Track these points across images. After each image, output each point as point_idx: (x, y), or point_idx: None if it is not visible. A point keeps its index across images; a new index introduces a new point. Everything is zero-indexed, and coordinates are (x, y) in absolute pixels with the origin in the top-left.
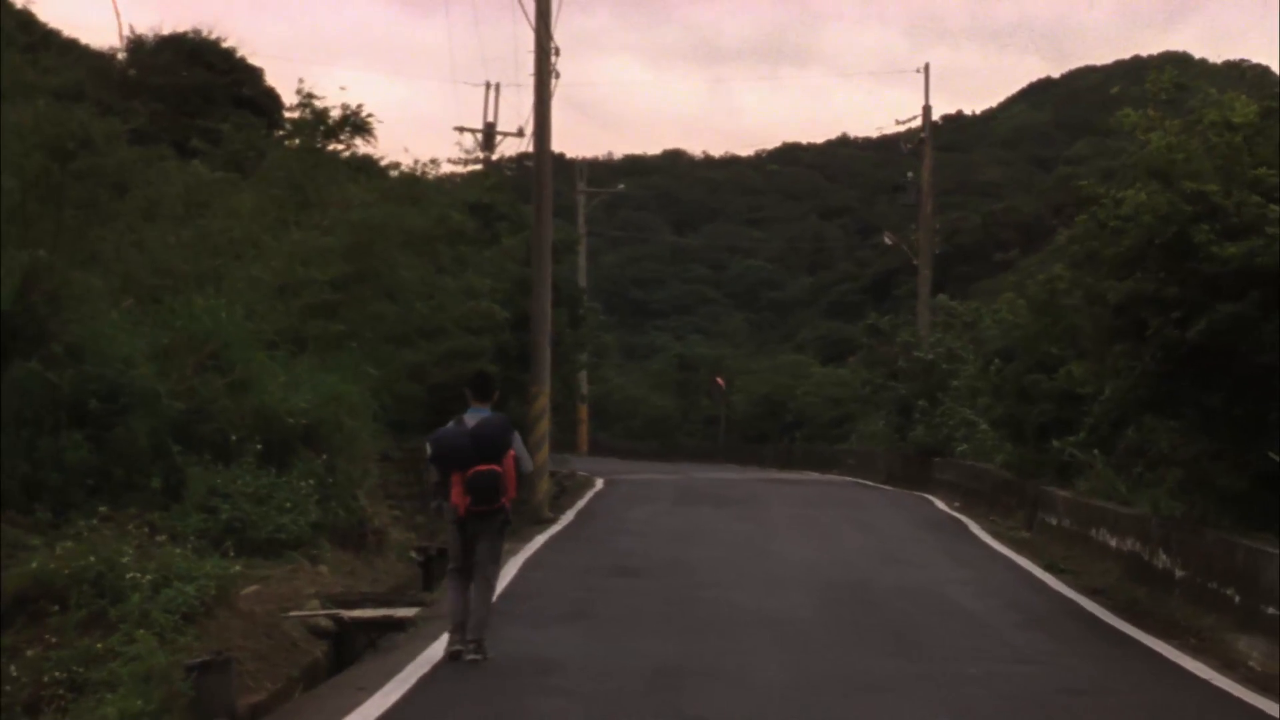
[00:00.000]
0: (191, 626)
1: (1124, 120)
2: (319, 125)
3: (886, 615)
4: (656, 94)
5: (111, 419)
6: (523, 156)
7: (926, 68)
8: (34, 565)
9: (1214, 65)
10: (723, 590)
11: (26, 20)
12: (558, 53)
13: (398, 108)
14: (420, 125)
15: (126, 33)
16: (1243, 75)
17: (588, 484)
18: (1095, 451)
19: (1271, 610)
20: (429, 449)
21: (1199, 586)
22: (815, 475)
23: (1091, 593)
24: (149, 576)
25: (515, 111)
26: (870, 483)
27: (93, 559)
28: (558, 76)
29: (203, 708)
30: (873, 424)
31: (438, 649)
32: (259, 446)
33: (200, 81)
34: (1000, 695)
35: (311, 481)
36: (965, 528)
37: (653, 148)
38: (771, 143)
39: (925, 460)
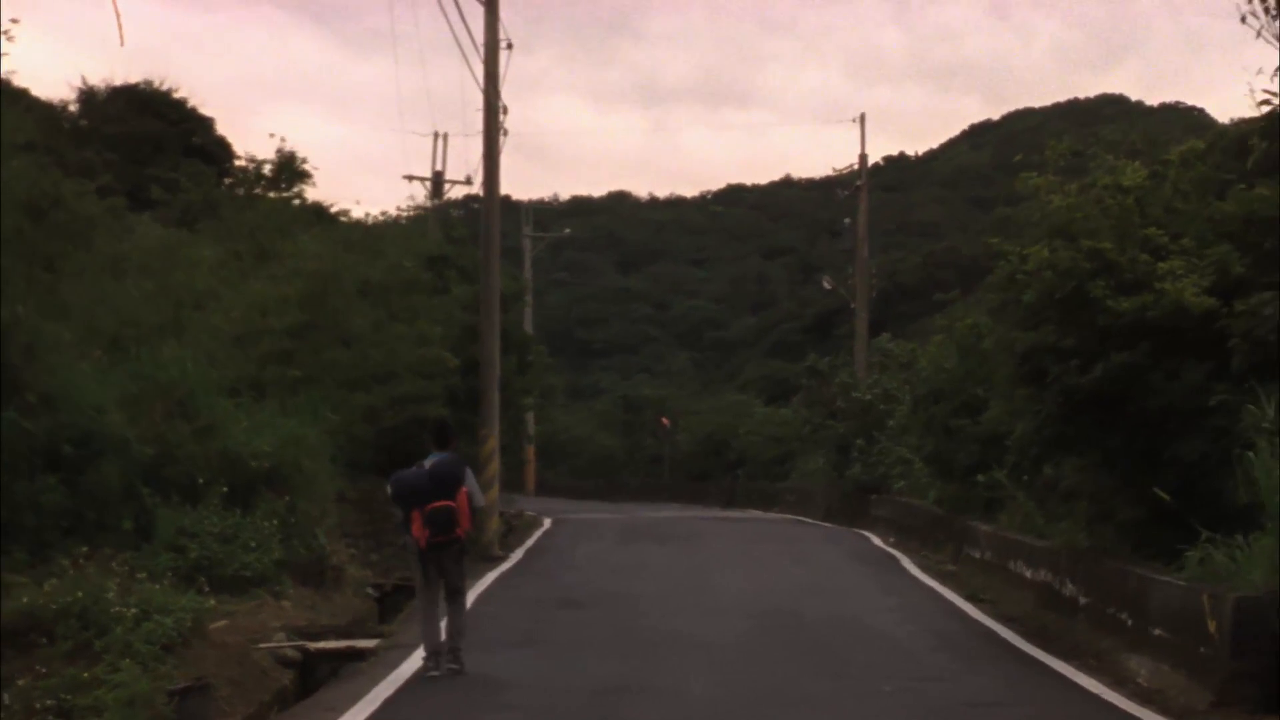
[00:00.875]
0: (170, 656)
1: (1027, 183)
2: (259, 177)
3: (813, 640)
4: (600, 135)
5: (84, 464)
6: (471, 199)
7: (862, 118)
8: (24, 600)
9: (1150, 107)
10: (662, 619)
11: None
12: (505, 111)
13: (343, 149)
14: (366, 167)
15: (78, 84)
16: (1179, 117)
17: (536, 523)
18: (1021, 484)
19: (1158, 631)
20: (390, 489)
21: (1099, 612)
22: (757, 513)
23: (1006, 620)
24: (131, 610)
25: (462, 154)
26: (810, 520)
27: (79, 594)
28: (506, 133)
29: None
30: (813, 462)
31: (399, 675)
32: (224, 489)
33: (152, 131)
34: (908, 707)
35: (274, 521)
36: (897, 562)
37: (598, 188)
38: (716, 183)
39: (863, 497)
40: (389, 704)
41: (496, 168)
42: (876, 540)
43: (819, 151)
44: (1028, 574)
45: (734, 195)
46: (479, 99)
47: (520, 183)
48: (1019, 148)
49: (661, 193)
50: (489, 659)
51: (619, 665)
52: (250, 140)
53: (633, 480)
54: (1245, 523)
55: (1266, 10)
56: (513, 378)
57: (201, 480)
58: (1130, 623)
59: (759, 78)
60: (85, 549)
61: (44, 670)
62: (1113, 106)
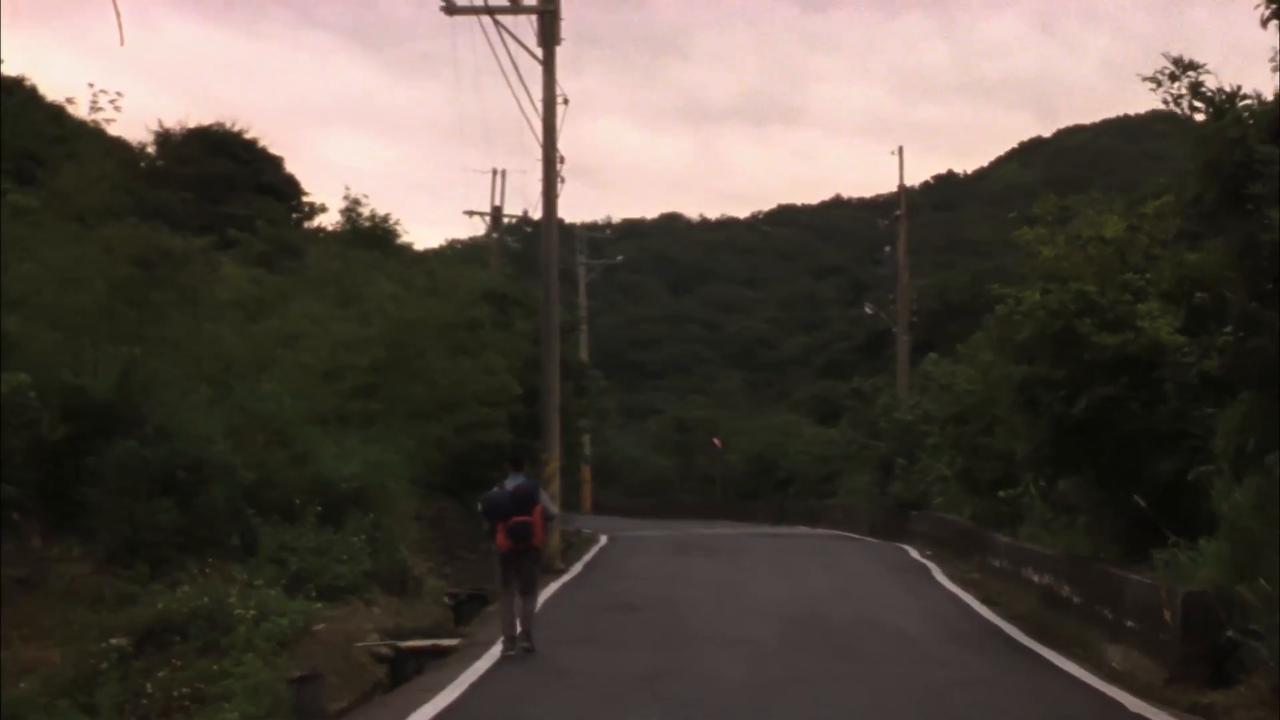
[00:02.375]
0: (285, 651)
1: (1022, 237)
2: (354, 232)
3: (837, 636)
4: (650, 155)
5: (196, 488)
6: (525, 221)
7: (900, 150)
8: (159, 606)
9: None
10: (704, 620)
11: (57, 114)
12: (563, 161)
13: (395, 171)
14: (418, 187)
15: (155, 127)
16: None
17: (593, 540)
18: (1037, 498)
19: (1130, 623)
20: (480, 506)
21: (1088, 609)
22: (805, 529)
23: (1014, 618)
24: (251, 612)
25: (519, 184)
26: (854, 535)
27: (206, 600)
28: (563, 181)
29: (302, 711)
30: (858, 480)
31: (479, 666)
32: (318, 508)
33: (225, 171)
34: (909, 684)
35: (362, 537)
36: (928, 571)
37: (649, 208)
38: (766, 202)
39: (904, 513)
40: (474, 686)
41: (554, 212)
42: (914, 553)
43: (868, 168)
44: (1035, 578)
45: (784, 215)
46: (536, 121)
47: (573, 204)
48: (1069, 165)
49: (711, 213)
50: (554, 653)
51: (664, 656)
52: (301, 164)
53: (685, 499)
54: (1211, 529)
55: None
56: (570, 403)
57: (298, 501)
58: (1110, 616)
59: (806, 96)
60: (210, 560)
61: (179, 664)
62: (1164, 122)
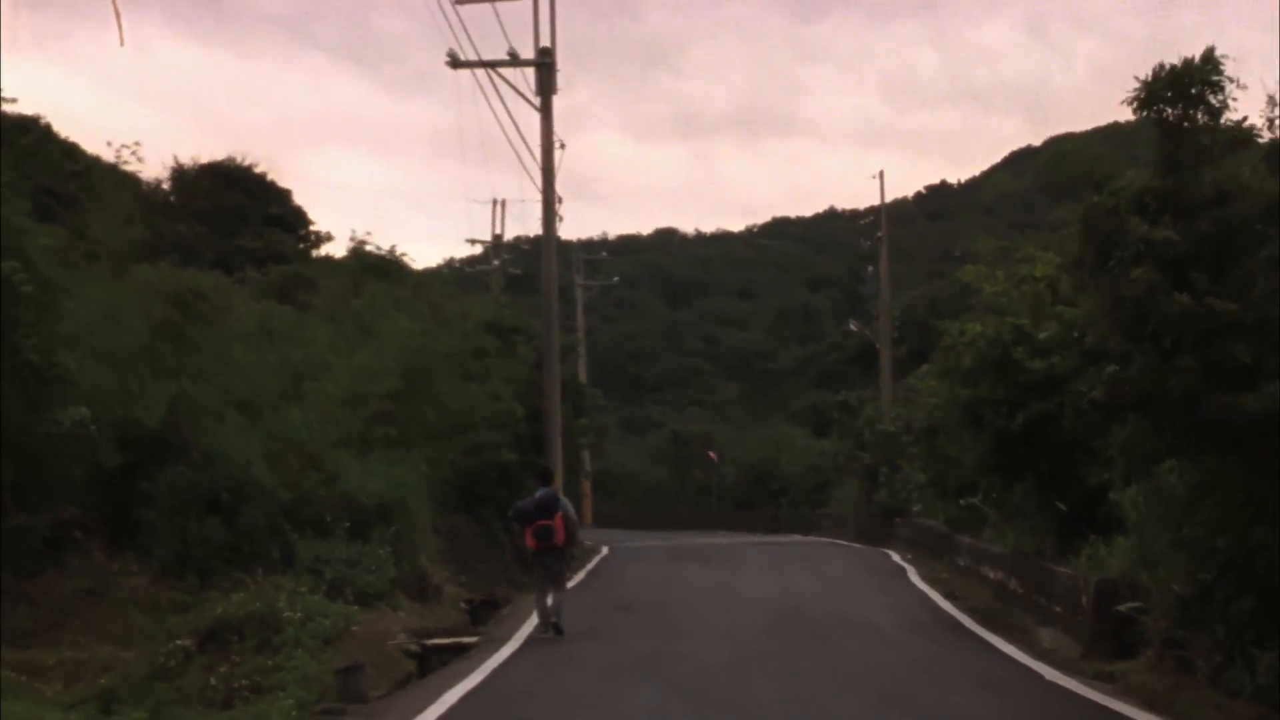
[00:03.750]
0: (328, 648)
1: (966, 274)
2: (363, 264)
3: (810, 627)
4: (644, 168)
5: (238, 507)
6: (525, 241)
7: (881, 175)
8: (219, 610)
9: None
10: (694, 616)
11: (71, 149)
12: (560, 201)
13: (391, 190)
14: (414, 204)
15: (169, 163)
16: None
17: (594, 550)
18: (991, 503)
19: (1058, 609)
20: (511, 513)
21: (1028, 599)
22: (798, 537)
23: (969, 610)
24: (298, 615)
25: (519, 210)
26: (843, 542)
27: (258, 605)
28: (561, 220)
29: (347, 697)
30: (846, 490)
31: (499, 657)
32: (347, 523)
33: (236, 204)
34: (864, 662)
35: (387, 549)
36: (904, 573)
37: (644, 221)
38: (760, 214)
39: (888, 520)
40: (495, 673)
41: (554, 249)
42: (895, 557)
43: (861, 178)
44: (991, 574)
45: (779, 228)
46: (536, 154)
47: (569, 220)
48: (1059, 174)
49: (706, 226)
50: (562, 646)
51: (658, 643)
52: (296, 182)
53: (683, 510)
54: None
55: None
56: (570, 422)
57: (329, 518)
58: (1044, 604)
59: (798, 106)
60: (261, 570)
61: (238, 660)
62: (1154, 129)
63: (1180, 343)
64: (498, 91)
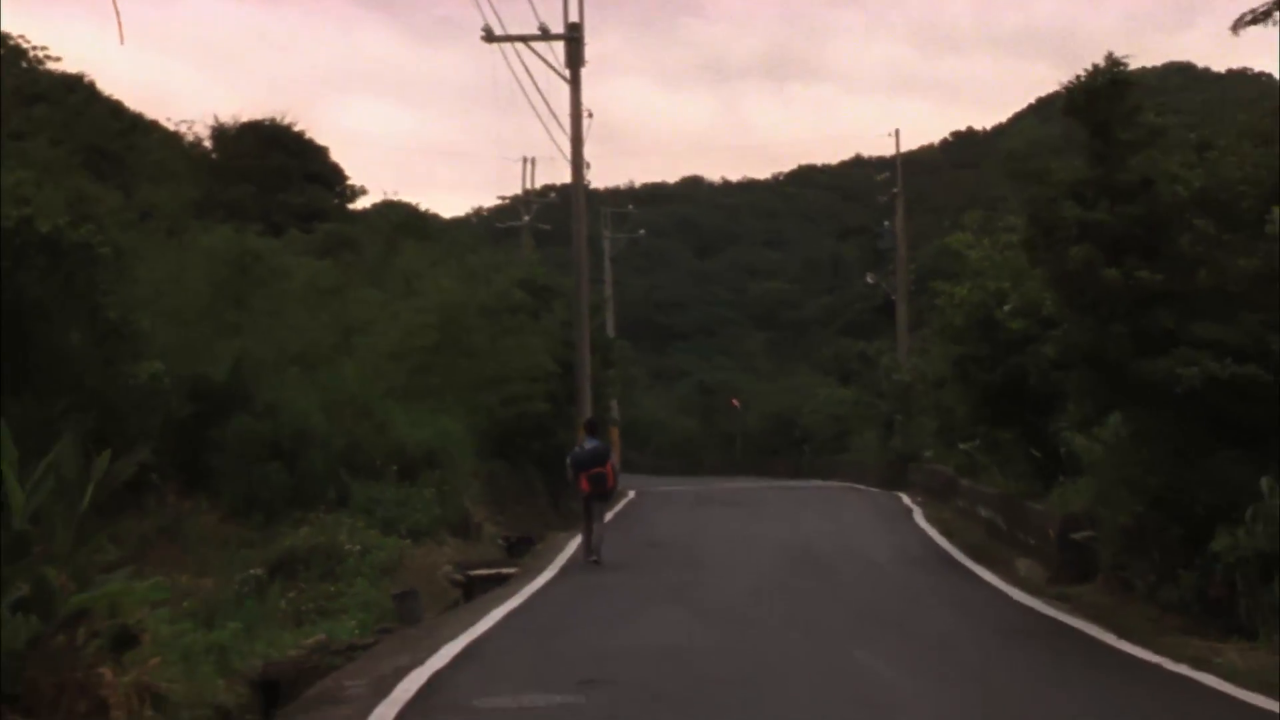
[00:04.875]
0: (386, 577)
1: (954, 242)
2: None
3: (817, 561)
4: (670, 115)
5: (298, 453)
6: (549, 189)
7: (897, 133)
8: (287, 543)
9: (1216, 74)
10: (716, 552)
11: (116, 107)
12: (588, 166)
13: (418, 138)
14: (442, 154)
15: (211, 122)
16: (1247, 84)
17: (623, 494)
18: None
19: (1032, 541)
20: (568, 460)
21: (1011, 534)
22: (819, 482)
23: (963, 546)
24: (357, 548)
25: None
26: (860, 486)
27: (322, 539)
28: (589, 173)
29: (403, 618)
30: (866, 437)
31: (536, 584)
32: (395, 468)
33: (276, 163)
34: (860, 589)
35: (432, 490)
36: (911, 514)
37: (670, 171)
38: (787, 162)
39: (903, 466)
40: (534, 596)
41: (583, 213)
42: (906, 500)
43: (887, 125)
44: (983, 514)
45: (805, 176)
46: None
47: (596, 168)
48: (1007, 170)
49: (733, 174)
50: (595, 576)
51: (684, 575)
52: (323, 133)
53: (709, 457)
54: None
55: None
56: (600, 373)
57: (379, 462)
58: (1022, 538)
59: (825, 51)
60: (324, 508)
61: (304, 587)
62: (1180, 75)
63: (1114, 311)
64: (524, 66)
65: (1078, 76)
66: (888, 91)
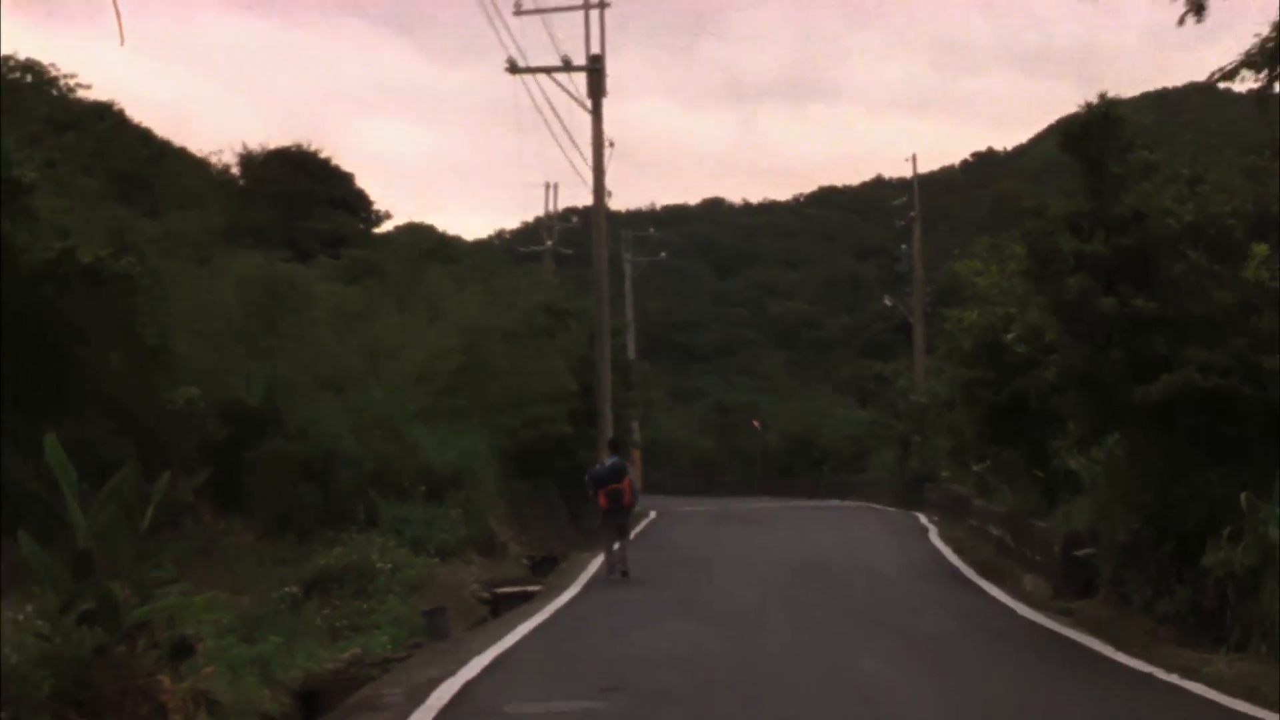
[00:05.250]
0: (415, 594)
1: (962, 269)
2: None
3: (829, 575)
4: (690, 136)
5: (329, 474)
6: (571, 212)
7: (914, 158)
8: (321, 562)
9: (1237, 95)
10: (730, 567)
11: (145, 134)
12: (610, 194)
13: (436, 157)
14: (460, 173)
15: (239, 149)
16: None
17: (644, 514)
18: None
19: (1037, 557)
20: (587, 477)
21: (1018, 550)
22: (836, 502)
23: (973, 562)
24: (388, 566)
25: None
26: (877, 506)
27: (355, 557)
28: (610, 195)
29: (433, 634)
30: (883, 457)
31: (560, 600)
32: (423, 488)
33: (303, 189)
34: (869, 602)
35: (459, 510)
36: (925, 532)
37: (691, 192)
38: (807, 182)
39: (919, 485)
40: (558, 612)
41: (604, 238)
42: (922, 519)
43: (907, 145)
44: (994, 532)
45: (826, 197)
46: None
47: (617, 189)
48: (1002, 210)
49: (753, 194)
50: (616, 592)
51: (698, 589)
52: (346, 155)
53: (729, 477)
54: None
55: None
56: (620, 395)
57: (408, 483)
58: (1029, 555)
59: (845, 71)
60: (354, 529)
61: (338, 604)
62: (1200, 95)
63: (1110, 338)
64: (545, 97)
65: (1073, 116)
66: (907, 111)
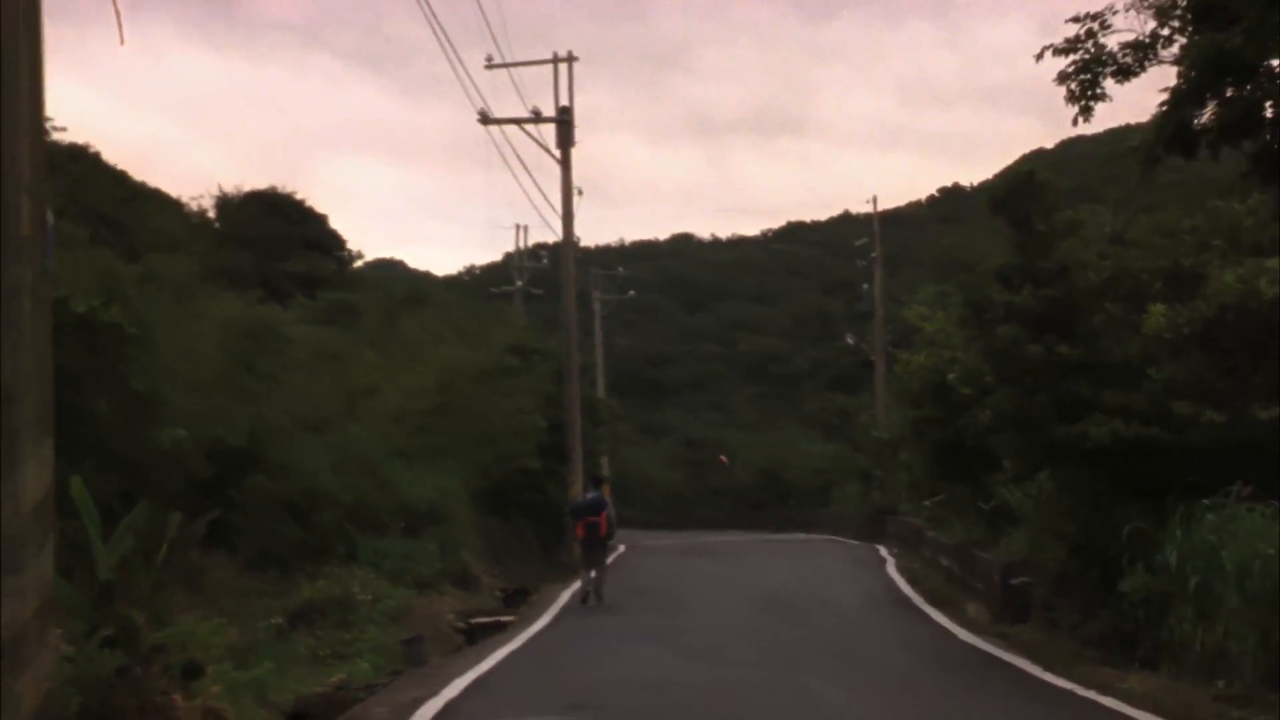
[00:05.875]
0: (394, 624)
1: (911, 314)
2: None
3: (787, 606)
4: (659, 170)
5: (310, 511)
6: (540, 246)
7: (875, 200)
8: (305, 594)
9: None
10: (694, 598)
11: (120, 176)
12: (579, 240)
13: (404, 194)
14: (428, 211)
15: (215, 191)
16: None
17: (613, 548)
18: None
19: (980, 585)
20: (568, 508)
21: (964, 580)
22: (802, 535)
23: (924, 592)
24: (369, 597)
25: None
26: (840, 538)
27: (337, 589)
28: (579, 243)
29: (411, 661)
30: (847, 490)
31: (533, 630)
32: (402, 524)
33: (278, 231)
34: (821, 629)
35: (435, 545)
36: (884, 565)
37: (660, 225)
38: (776, 218)
39: (881, 519)
40: (531, 640)
41: (573, 284)
42: (882, 551)
43: (875, 180)
44: (943, 562)
45: (794, 233)
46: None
47: (586, 224)
48: (1071, 175)
49: (722, 230)
50: (587, 620)
51: (664, 619)
52: (312, 190)
53: (698, 511)
54: None
55: None
56: (589, 432)
57: (386, 519)
58: (973, 583)
59: (812, 107)
60: (335, 563)
61: (321, 634)
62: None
63: (1037, 382)
64: (513, 146)
65: (1000, 179)
66: (875, 146)
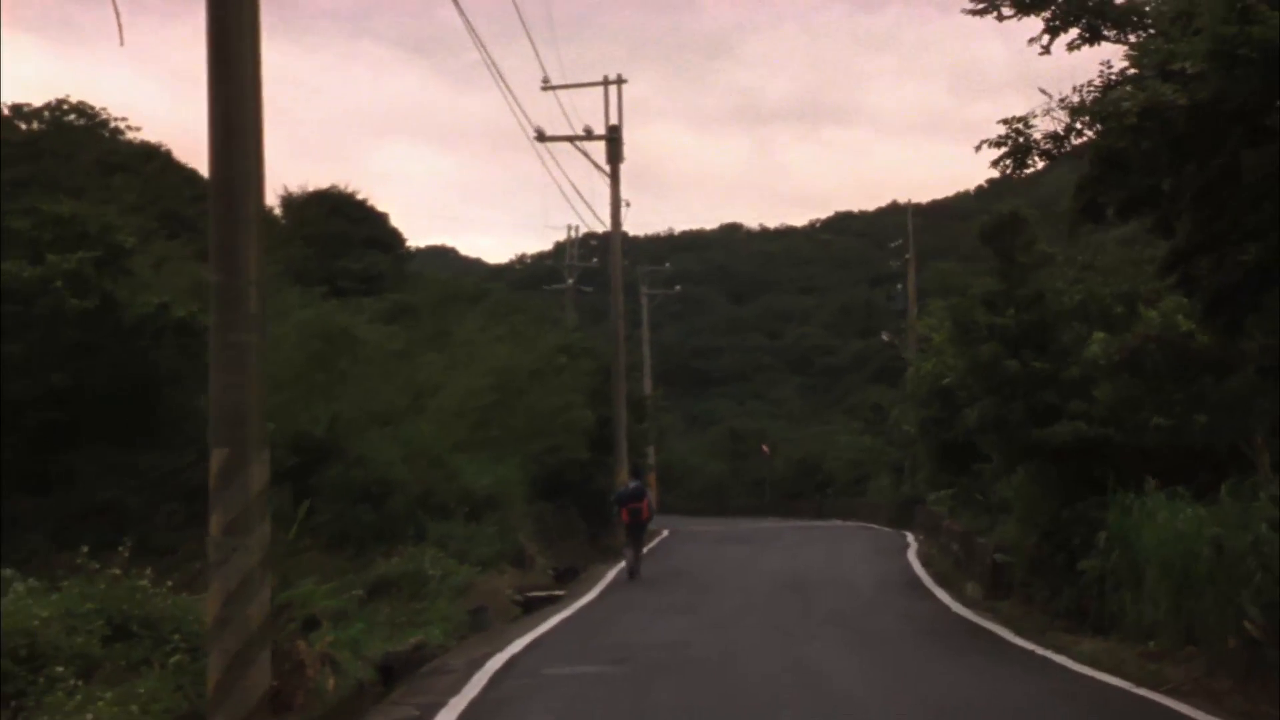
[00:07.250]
0: (460, 597)
1: (922, 326)
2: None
3: (805, 586)
4: (706, 160)
5: (383, 497)
6: (590, 236)
7: (909, 202)
8: (381, 569)
9: None
10: (724, 578)
11: (191, 174)
12: (627, 237)
13: (453, 181)
14: (475, 198)
15: (280, 191)
16: None
17: (656, 533)
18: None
19: (977, 567)
20: (613, 496)
21: (968, 563)
22: (838, 522)
23: (934, 575)
24: (438, 573)
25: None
26: (873, 526)
27: (410, 566)
28: (627, 233)
29: (476, 627)
30: (881, 481)
31: (581, 603)
32: (464, 510)
33: (340, 229)
34: (833, 605)
35: (494, 528)
36: (905, 550)
37: (708, 214)
38: (824, 208)
39: (910, 508)
40: (578, 611)
41: (620, 292)
42: (909, 537)
43: (922, 169)
44: (954, 548)
45: (841, 223)
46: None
47: (634, 213)
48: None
49: (769, 218)
50: (629, 595)
51: (697, 595)
52: (360, 176)
53: (739, 500)
54: None
55: None
56: (633, 427)
57: (451, 505)
58: (972, 565)
59: (860, 96)
60: (409, 543)
61: (396, 605)
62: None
63: (1014, 392)
64: (555, 159)
65: (990, 216)
66: (922, 135)
